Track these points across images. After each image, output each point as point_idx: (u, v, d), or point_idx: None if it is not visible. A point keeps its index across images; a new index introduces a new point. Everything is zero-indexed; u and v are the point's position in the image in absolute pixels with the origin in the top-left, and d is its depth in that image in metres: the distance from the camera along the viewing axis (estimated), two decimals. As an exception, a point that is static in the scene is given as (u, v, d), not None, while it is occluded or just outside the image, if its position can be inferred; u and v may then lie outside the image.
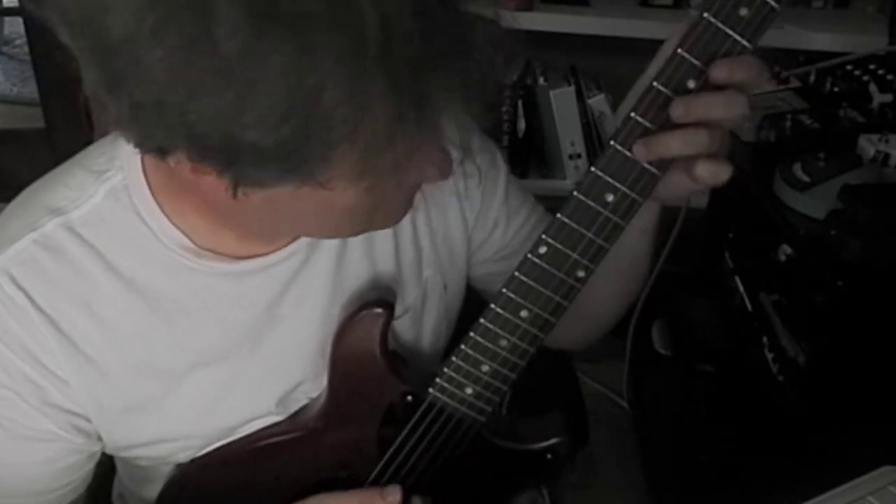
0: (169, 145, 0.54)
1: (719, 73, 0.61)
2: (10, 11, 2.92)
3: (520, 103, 1.97)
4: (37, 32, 2.02)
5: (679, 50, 0.61)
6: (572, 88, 1.93)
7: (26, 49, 2.13)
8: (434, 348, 0.88)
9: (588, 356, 1.94)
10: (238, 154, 0.51)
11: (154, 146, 0.55)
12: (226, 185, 0.56)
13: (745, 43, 0.60)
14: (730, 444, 1.46)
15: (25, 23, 2.08)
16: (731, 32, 0.60)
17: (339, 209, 0.61)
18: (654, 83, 0.62)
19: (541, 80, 1.96)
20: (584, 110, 1.96)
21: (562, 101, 1.93)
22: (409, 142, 0.54)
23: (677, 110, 0.62)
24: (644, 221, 0.75)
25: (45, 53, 2.02)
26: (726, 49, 0.60)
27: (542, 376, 0.74)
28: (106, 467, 0.92)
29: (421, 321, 0.85)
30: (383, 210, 0.65)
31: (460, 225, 0.85)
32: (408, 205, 0.69)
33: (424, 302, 0.84)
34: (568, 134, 1.95)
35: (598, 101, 1.95)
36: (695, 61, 0.61)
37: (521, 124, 1.99)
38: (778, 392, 1.29)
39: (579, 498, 1.71)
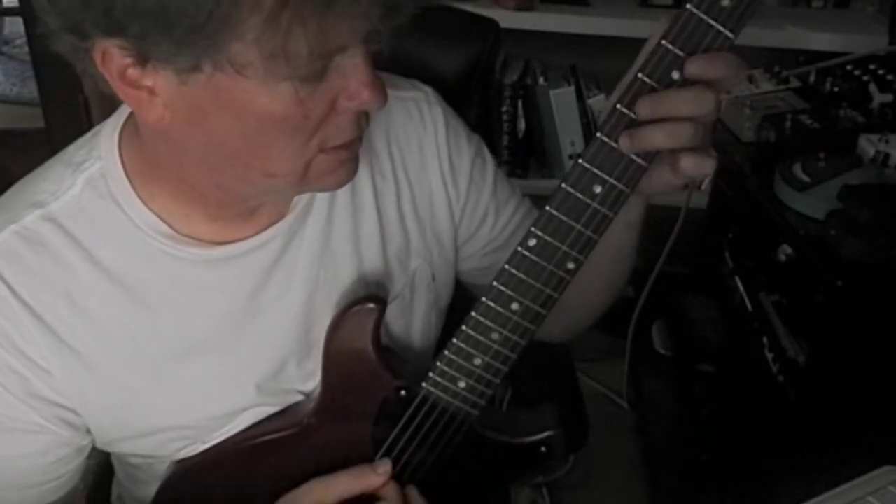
0: (79, 19, 0.57)
1: (695, 68, 0.61)
2: (10, 11, 2.92)
3: (520, 103, 1.97)
4: (37, 32, 2.02)
5: (662, 41, 0.61)
6: (572, 88, 1.93)
7: (26, 49, 2.13)
8: (425, 339, 0.88)
9: (588, 356, 1.95)
10: (141, 16, 0.54)
11: (70, 24, 0.58)
12: (160, 106, 0.60)
13: (727, 34, 0.60)
14: (730, 444, 1.46)
15: (25, 23, 2.08)
16: (713, 23, 0.60)
17: (263, 116, 0.60)
18: (639, 74, 0.62)
19: (541, 80, 1.96)
20: (584, 110, 1.96)
21: (562, 101, 1.93)
22: (313, 18, 0.54)
23: (643, 109, 0.62)
24: (629, 216, 0.75)
25: (45, 53, 2.01)
26: (709, 40, 0.61)
27: (543, 376, 0.74)
28: (105, 468, 0.92)
29: (410, 311, 0.85)
30: (320, 135, 0.63)
31: (447, 213, 0.85)
32: (350, 155, 0.68)
33: (413, 291, 0.84)
34: (568, 134, 1.95)
35: (598, 101, 1.95)
36: (678, 52, 0.61)
37: (521, 124, 1.99)
38: (778, 392, 1.29)
39: (579, 498, 1.72)
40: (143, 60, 0.58)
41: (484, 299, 0.71)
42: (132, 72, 0.59)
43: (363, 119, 0.66)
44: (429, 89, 0.85)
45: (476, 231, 0.88)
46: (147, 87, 0.60)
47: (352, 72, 0.61)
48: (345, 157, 0.67)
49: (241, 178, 0.68)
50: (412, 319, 0.86)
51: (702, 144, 0.65)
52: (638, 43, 0.66)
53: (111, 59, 0.59)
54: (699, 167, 0.65)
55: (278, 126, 0.61)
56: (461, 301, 0.89)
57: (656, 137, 0.63)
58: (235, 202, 0.72)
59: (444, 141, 0.83)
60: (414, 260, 0.84)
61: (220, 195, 0.70)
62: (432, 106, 0.83)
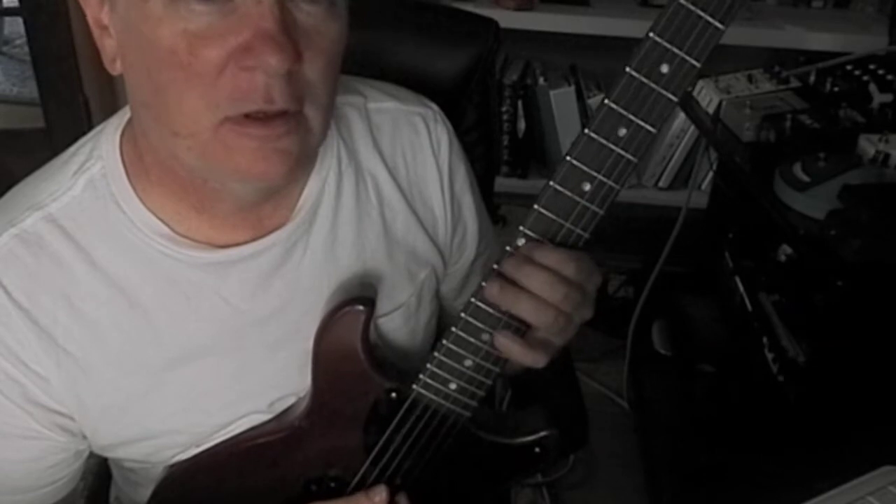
0: None
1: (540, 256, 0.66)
2: (10, 11, 2.92)
3: (520, 103, 1.97)
4: (37, 32, 2.02)
5: (651, 34, 0.61)
6: (572, 88, 1.93)
7: (26, 49, 2.13)
8: (427, 347, 0.88)
9: (588, 356, 1.95)
10: None
11: None
12: (114, 48, 0.62)
13: (717, 24, 0.60)
14: (729, 444, 1.46)
15: (25, 23, 2.08)
16: (702, 14, 0.59)
17: (153, 47, 0.59)
18: (628, 69, 0.62)
19: (541, 80, 1.96)
20: (584, 110, 1.96)
21: (562, 101, 1.93)
22: None
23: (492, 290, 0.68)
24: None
25: (45, 53, 2.02)
26: (699, 30, 0.60)
27: (542, 376, 0.73)
28: (104, 468, 0.92)
29: (415, 320, 0.85)
30: (218, 91, 0.60)
31: (444, 227, 0.85)
32: (264, 133, 0.62)
33: (420, 301, 0.84)
34: (568, 134, 1.95)
35: (597, 101, 1.95)
36: (667, 45, 0.61)
37: (521, 124, 1.99)
38: (778, 392, 1.29)
39: (579, 498, 1.72)
40: None
41: (473, 300, 0.71)
42: (103, 15, 0.62)
43: (275, 89, 0.60)
44: (436, 107, 0.85)
45: (459, 255, 0.89)
46: (107, 28, 0.63)
47: (254, 16, 0.58)
48: (257, 135, 0.61)
49: (159, 137, 0.65)
50: (416, 328, 0.86)
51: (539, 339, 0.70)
52: (638, 43, 0.65)
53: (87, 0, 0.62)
54: (510, 350, 0.70)
55: (167, 62, 0.60)
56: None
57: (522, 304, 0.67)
58: (200, 184, 0.68)
59: (447, 160, 0.84)
60: (423, 270, 0.84)
61: (177, 167, 0.67)
62: (439, 124, 0.84)
